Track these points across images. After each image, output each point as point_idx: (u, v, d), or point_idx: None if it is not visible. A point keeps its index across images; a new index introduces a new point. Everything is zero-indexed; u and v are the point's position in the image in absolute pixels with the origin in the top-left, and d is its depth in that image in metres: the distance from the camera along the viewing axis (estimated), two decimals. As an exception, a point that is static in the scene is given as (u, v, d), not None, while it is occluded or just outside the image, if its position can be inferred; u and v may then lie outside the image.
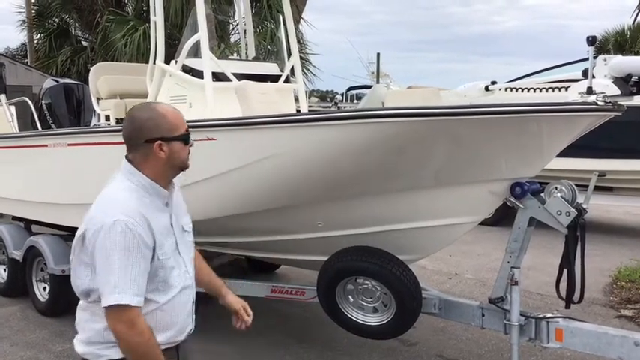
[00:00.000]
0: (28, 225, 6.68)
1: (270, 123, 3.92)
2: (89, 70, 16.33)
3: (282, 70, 5.97)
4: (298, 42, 15.39)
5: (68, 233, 5.95)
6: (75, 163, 5.37)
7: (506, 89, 7.55)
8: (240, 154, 4.08)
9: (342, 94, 27.39)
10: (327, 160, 3.83)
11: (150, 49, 12.73)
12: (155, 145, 2.18)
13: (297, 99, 6.12)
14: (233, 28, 15.00)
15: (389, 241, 4.20)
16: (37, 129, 7.34)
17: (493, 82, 7.29)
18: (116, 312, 2.03)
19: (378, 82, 20.70)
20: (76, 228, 2.22)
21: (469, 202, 3.99)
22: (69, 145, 5.36)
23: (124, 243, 2.03)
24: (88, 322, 2.19)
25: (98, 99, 6.70)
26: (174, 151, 2.23)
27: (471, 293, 6.66)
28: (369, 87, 26.94)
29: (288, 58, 6.04)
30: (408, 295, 4.03)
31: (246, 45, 6.67)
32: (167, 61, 5.80)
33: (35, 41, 16.54)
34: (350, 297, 4.30)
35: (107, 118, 6.56)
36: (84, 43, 16.56)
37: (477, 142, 3.52)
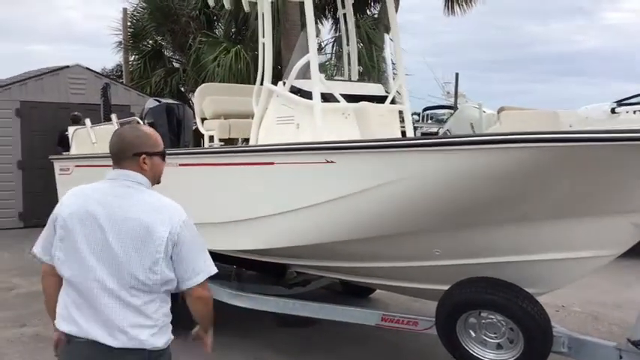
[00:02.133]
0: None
1: (396, 147, 3.78)
2: (181, 90, 16.90)
3: (387, 91, 5.85)
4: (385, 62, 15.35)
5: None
6: (185, 183, 5.42)
7: (634, 112, 7.07)
8: (360, 178, 3.96)
9: (419, 114, 27.05)
10: (455, 186, 3.65)
11: (241, 69, 12.96)
12: (140, 159, 2.53)
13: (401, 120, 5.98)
14: (322, 49, 15.08)
15: (513, 273, 3.96)
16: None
17: (619, 104, 6.86)
18: (205, 283, 2.52)
19: (455, 102, 20.23)
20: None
21: (608, 234, 3.69)
22: (180, 165, 5.42)
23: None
24: (159, 312, 2.44)
25: (203, 119, 6.79)
26: (155, 164, 2.58)
27: (583, 328, 6.23)
28: (446, 107, 26.47)
29: (394, 79, 5.92)
30: (539, 331, 3.77)
31: (349, 66, 6.60)
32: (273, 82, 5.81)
33: (130, 62, 17.24)
34: (471, 331, 4.07)
35: (211, 138, 6.64)
36: (175, 65, 17.11)
37: (628, 169, 3.24)
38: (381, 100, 5.68)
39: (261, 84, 5.90)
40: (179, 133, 8.23)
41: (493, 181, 3.51)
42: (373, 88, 5.91)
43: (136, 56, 17.03)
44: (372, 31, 14.38)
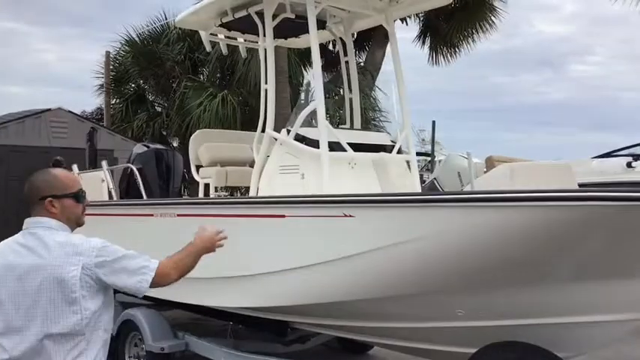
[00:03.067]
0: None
1: (423, 201, 3.56)
2: (163, 134, 16.57)
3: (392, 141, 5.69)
4: (373, 110, 15.31)
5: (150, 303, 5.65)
6: (183, 235, 5.10)
7: None
8: (381, 234, 3.71)
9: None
10: (484, 245, 3.43)
11: (228, 115, 12.76)
12: (46, 202, 2.49)
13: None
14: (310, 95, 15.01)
15: (544, 336, 3.71)
16: (133, 196, 7.21)
17: (635, 158, 6.79)
18: (161, 268, 2.67)
19: (433, 150, 20.31)
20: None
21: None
22: (177, 215, 5.13)
23: None
24: (88, 353, 2.42)
25: (198, 166, 6.53)
26: (66, 206, 2.53)
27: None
28: (423, 154, 26.59)
29: (400, 128, 5.76)
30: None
31: (351, 114, 6.44)
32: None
33: (111, 105, 16.94)
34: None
35: (207, 186, 6.36)
36: (158, 109, 16.87)
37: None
38: (387, 149, 5.50)
39: (263, 131, 5.69)
40: (168, 179, 7.93)
41: (524, 240, 3.30)
42: (379, 137, 5.74)
43: (118, 99, 16.77)
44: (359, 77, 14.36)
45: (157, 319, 5.53)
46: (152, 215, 5.39)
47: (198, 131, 6.77)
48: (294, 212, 4.18)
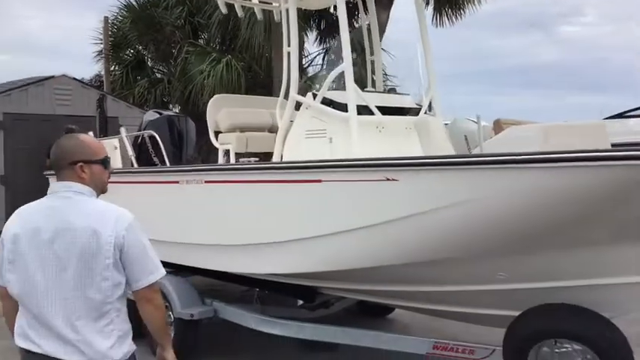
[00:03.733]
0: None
1: (471, 163, 3.48)
2: (165, 101, 16.33)
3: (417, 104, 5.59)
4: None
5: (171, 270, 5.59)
6: (212, 202, 5.05)
7: None
8: (427, 197, 3.65)
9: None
10: (533, 207, 3.38)
11: (232, 80, 12.52)
12: (77, 167, 2.47)
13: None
14: (309, 62, 14.75)
15: (587, 297, 3.70)
16: (144, 164, 7.11)
17: None
18: (156, 286, 2.52)
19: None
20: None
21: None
22: (205, 182, 5.04)
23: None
24: (114, 323, 2.40)
25: (216, 132, 6.41)
26: (94, 172, 2.52)
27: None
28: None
29: (425, 89, 5.65)
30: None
31: (373, 76, 6.33)
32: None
33: (111, 72, 16.64)
34: (544, 362, 3.78)
35: (226, 152, 6.26)
36: (158, 75, 16.61)
37: None
38: (415, 112, 5.42)
39: (286, 96, 5.58)
40: (181, 146, 7.82)
41: (580, 203, 3.25)
42: (405, 100, 5.64)
43: (117, 66, 16.48)
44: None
45: (185, 285, 5.50)
46: (177, 182, 5.30)
47: (216, 96, 6.61)
48: (332, 177, 4.10)
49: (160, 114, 8.09)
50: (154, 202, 5.66)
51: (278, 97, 5.99)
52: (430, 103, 5.61)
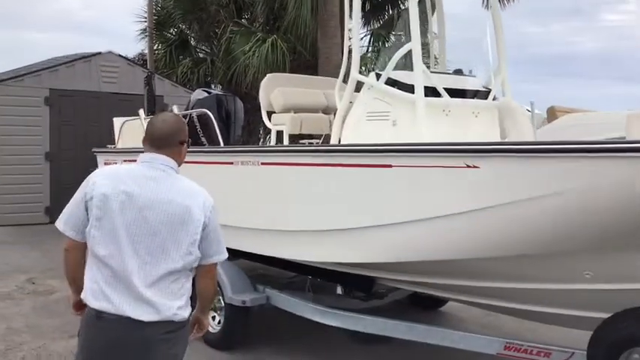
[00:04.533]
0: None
1: (567, 151, 3.16)
2: (207, 81, 16.17)
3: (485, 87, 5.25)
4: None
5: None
6: (268, 185, 4.82)
7: None
8: (512, 187, 3.34)
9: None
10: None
11: (278, 61, 12.24)
12: (184, 147, 2.70)
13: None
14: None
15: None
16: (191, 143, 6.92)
17: None
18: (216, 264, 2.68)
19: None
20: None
21: None
22: (262, 164, 4.81)
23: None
24: (184, 287, 2.57)
25: (269, 112, 6.17)
26: (183, 152, 2.73)
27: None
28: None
29: (495, 72, 5.30)
30: None
31: (435, 57, 5.99)
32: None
33: (154, 51, 16.52)
34: (635, 369, 3.46)
35: (279, 134, 6.02)
36: (201, 55, 16.44)
37: None
38: (482, 95, 5.08)
39: (342, 77, 5.30)
40: (229, 126, 7.61)
41: None
42: (472, 82, 5.30)
43: (161, 45, 16.34)
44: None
45: (236, 270, 5.31)
46: (232, 163, 5.08)
47: (269, 75, 6.35)
48: (403, 162, 3.82)
49: (209, 93, 7.89)
50: (205, 183, 5.46)
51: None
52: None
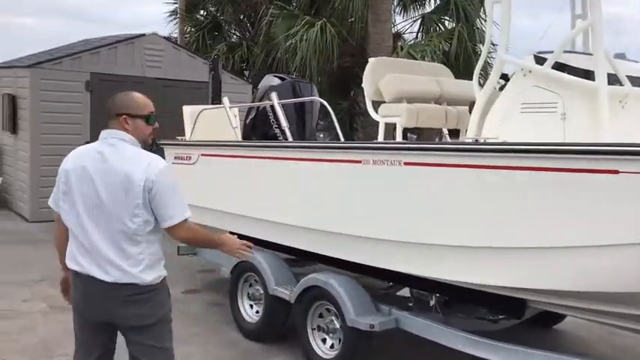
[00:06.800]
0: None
1: None
2: (243, 68, 15.28)
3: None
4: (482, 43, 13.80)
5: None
6: (413, 188, 4.01)
7: None
8: None
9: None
10: None
11: (328, 46, 11.32)
12: (121, 119, 2.85)
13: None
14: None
15: None
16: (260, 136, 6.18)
17: None
18: (185, 223, 2.81)
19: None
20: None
21: None
22: (405, 163, 3.99)
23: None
24: (145, 251, 2.78)
25: (375, 102, 5.34)
26: (137, 126, 2.87)
27: None
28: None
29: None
30: None
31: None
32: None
33: (185, 35, 15.65)
34: None
35: (387, 126, 5.20)
36: (234, 40, 15.58)
37: None
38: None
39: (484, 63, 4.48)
40: (304, 117, 6.76)
41: None
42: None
43: (192, 28, 15.48)
44: (469, 7, 12.83)
45: (356, 287, 4.50)
46: (359, 162, 4.26)
47: (375, 59, 5.49)
48: (632, 167, 3.01)
49: (283, 79, 7.03)
50: (326, 186, 4.66)
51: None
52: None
